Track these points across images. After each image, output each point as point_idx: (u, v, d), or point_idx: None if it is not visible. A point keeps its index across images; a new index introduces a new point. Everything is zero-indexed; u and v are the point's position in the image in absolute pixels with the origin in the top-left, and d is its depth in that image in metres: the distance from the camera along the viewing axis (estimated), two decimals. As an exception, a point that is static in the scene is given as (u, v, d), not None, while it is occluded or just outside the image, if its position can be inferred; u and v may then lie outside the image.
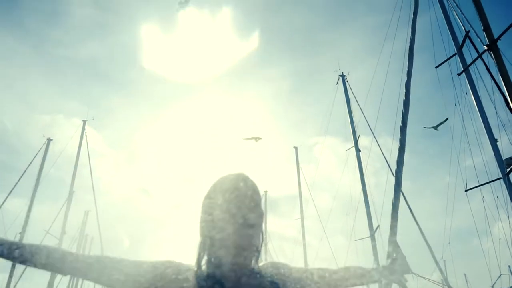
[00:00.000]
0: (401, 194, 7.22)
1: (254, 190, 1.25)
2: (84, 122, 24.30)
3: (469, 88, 10.46)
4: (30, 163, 22.23)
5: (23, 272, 23.77)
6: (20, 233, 23.81)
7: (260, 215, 1.23)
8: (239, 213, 1.17)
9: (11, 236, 24.74)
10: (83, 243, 32.08)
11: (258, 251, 1.23)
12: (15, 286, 22.52)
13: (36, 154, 22.51)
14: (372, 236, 16.01)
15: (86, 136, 23.98)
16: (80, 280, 30.89)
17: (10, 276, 22.03)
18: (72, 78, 44.77)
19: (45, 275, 23.11)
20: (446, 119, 11.37)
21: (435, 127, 11.42)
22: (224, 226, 1.16)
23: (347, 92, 19.89)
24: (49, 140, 23.13)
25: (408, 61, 9.33)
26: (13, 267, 22.13)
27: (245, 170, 1.29)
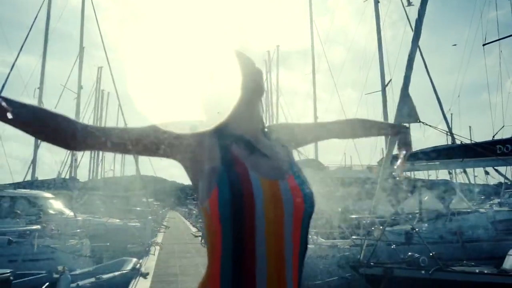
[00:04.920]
0: (418, 45, 7.09)
1: (255, 66, 1.22)
2: (84, -30, 22.73)
3: None
4: (36, 17, 21.63)
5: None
6: (38, 88, 24.49)
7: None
8: (250, 81, 1.17)
9: (31, 91, 25.50)
10: (100, 97, 33.13)
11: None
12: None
13: (40, 7, 21.77)
14: (383, 90, 16.17)
15: (87, -15, 22.71)
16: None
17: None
18: None
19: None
20: None
21: None
22: (236, 93, 1.14)
23: None
24: (49, -9, 22.04)
25: None
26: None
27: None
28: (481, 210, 9.89)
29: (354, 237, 7.54)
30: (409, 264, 6.33)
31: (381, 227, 7.44)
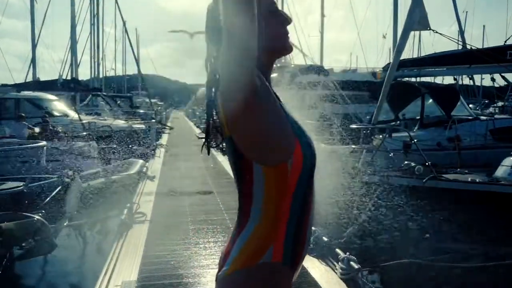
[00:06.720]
0: None
1: None
2: None
3: None
4: None
5: (44, 20, 24.29)
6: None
7: None
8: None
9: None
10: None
11: None
12: (39, 34, 23.33)
13: None
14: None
15: None
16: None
17: (33, 22, 22.57)
18: None
19: (66, 21, 23.67)
20: None
21: None
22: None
23: None
24: None
25: None
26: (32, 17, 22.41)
27: None
28: (482, 117, 9.92)
29: (353, 146, 7.71)
30: (404, 172, 6.58)
31: (381, 136, 7.57)
